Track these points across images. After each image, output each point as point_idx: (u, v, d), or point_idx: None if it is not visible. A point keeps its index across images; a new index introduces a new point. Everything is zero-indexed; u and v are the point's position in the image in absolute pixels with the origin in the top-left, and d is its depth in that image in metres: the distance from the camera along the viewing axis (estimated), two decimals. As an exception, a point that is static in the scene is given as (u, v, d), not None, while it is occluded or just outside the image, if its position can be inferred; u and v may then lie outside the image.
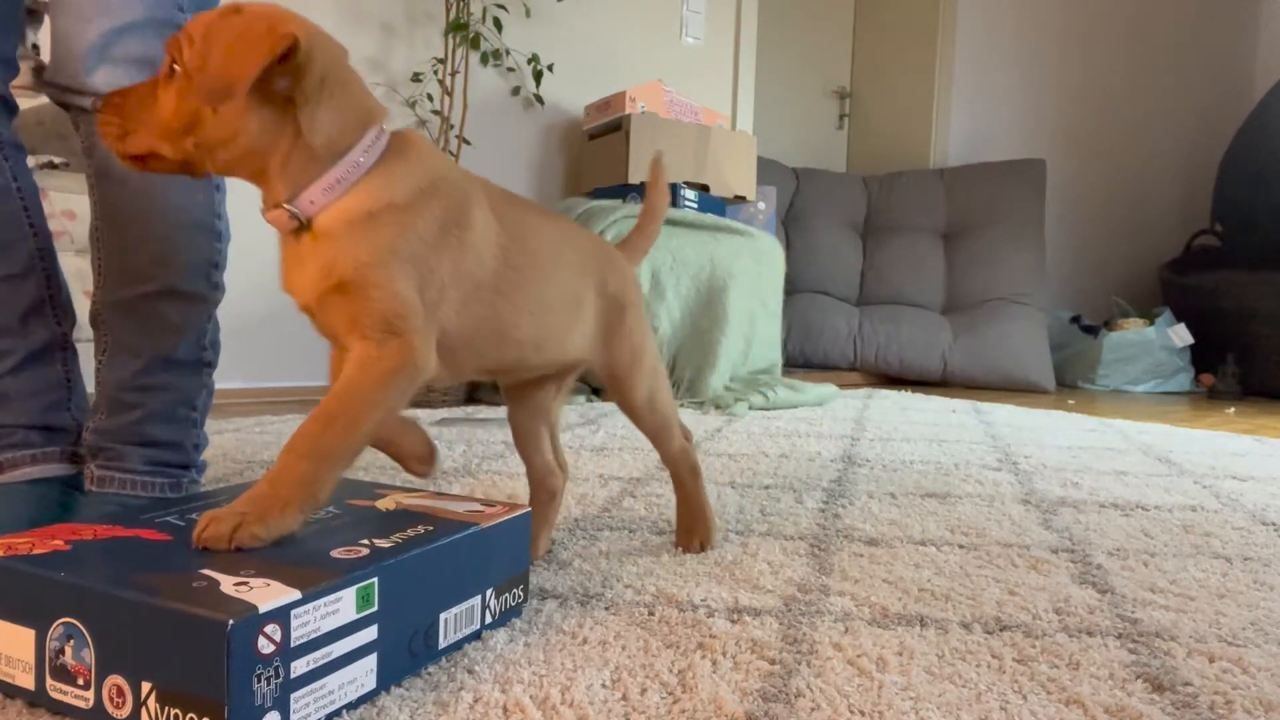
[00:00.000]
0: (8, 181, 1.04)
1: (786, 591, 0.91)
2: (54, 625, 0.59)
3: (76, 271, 1.79)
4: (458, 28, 2.72)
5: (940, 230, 4.01)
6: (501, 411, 2.34)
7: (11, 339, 1.06)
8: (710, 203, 2.98)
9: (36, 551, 0.64)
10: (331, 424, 0.69)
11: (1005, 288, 3.77)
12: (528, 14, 3.06)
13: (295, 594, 0.58)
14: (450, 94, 2.74)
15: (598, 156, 3.05)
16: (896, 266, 3.95)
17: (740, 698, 0.66)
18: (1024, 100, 4.49)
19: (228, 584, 0.58)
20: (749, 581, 0.94)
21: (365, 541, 0.69)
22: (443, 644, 0.71)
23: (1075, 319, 4.16)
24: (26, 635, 0.61)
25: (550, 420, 1.03)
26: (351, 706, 0.62)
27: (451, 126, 2.76)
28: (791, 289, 3.85)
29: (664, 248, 2.68)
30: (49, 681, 0.60)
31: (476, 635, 0.76)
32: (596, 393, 2.78)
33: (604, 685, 0.67)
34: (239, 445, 1.73)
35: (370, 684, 0.64)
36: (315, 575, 0.61)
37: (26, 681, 0.61)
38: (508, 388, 1.01)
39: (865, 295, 3.97)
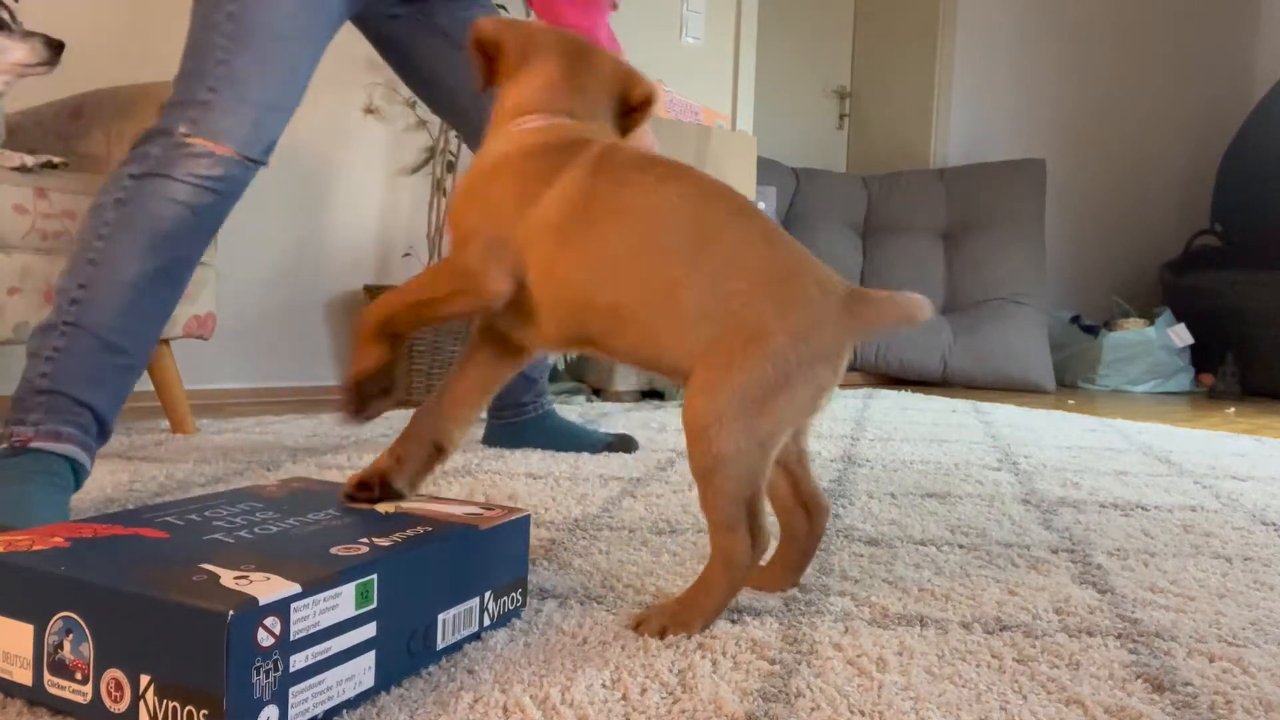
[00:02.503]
0: None
1: (787, 591, 0.91)
2: (53, 620, 0.59)
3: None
4: (458, 27, 2.71)
5: (940, 230, 4.01)
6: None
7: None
8: (710, 202, 2.98)
9: (36, 548, 0.64)
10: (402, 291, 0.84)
11: (1005, 288, 3.77)
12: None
13: (295, 587, 0.57)
14: (450, 93, 2.73)
15: (598, 156, 3.04)
16: (896, 266, 3.95)
17: (740, 698, 0.66)
18: (1024, 100, 4.49)
19: (227, 578, 0.58)
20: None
21: (365, 540, 0.69)
22: (441, 645, 0.71)
23: (1075, 319, 4.16)
24: (25, 630, 0.61)
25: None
26: (351, 705, 0.62)
27: (452, 125, 2.75)
28: (791, 289, 3.84)
29: (664, 247, 2.67)
30: (47, 677, 0.60)
31: (475, 637, 0.75)
32: (597, 393, 2.77)
33: (604, 685, 0.67)
34: (239, 445, 1.73)
35: (369, 682, 0.64)
36: (315, 570, 0.61)
37: (24, 677, 0.61)
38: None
39: (865, 295, 3.97)
